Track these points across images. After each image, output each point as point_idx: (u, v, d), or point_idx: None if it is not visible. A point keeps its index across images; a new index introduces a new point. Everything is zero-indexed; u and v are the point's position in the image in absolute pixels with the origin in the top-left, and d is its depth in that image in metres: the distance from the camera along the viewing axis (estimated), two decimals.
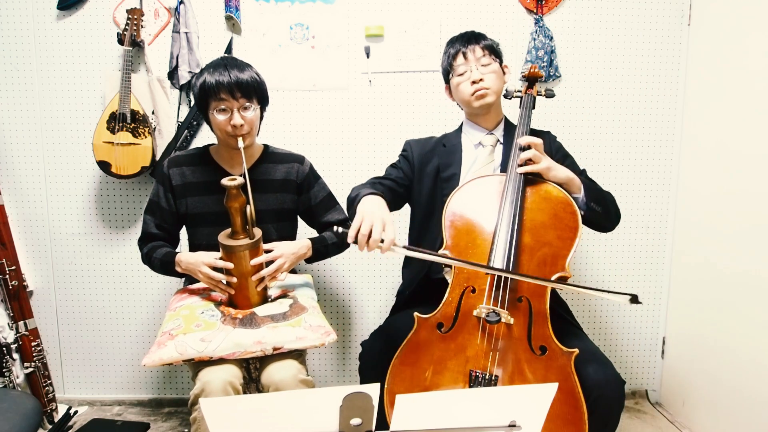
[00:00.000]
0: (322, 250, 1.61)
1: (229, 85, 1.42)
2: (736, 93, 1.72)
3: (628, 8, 1.99)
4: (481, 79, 1.47)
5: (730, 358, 1.71)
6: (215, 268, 1.41)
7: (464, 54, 1.49)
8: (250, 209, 1.37)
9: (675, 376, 2.06)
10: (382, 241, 1.17)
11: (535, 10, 1.97)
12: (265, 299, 1.47)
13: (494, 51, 1.52)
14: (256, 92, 1.48)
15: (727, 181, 1.75)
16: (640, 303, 1.08)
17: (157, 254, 1.52)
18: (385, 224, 1.19)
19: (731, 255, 1.72)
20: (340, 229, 1.21)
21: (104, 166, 1.86)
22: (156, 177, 1.60)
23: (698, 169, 1.93)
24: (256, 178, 1.55)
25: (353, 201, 1.37)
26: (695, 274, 1.93)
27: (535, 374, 1.21)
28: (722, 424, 1.76)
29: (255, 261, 1.40)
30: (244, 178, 1.36)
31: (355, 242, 1.18)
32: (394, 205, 1.51)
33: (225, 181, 1.34)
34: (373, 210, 1.23)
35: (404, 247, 1.19)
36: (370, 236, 1.16)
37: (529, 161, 1.33)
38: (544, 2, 1.96)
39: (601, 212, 1.40)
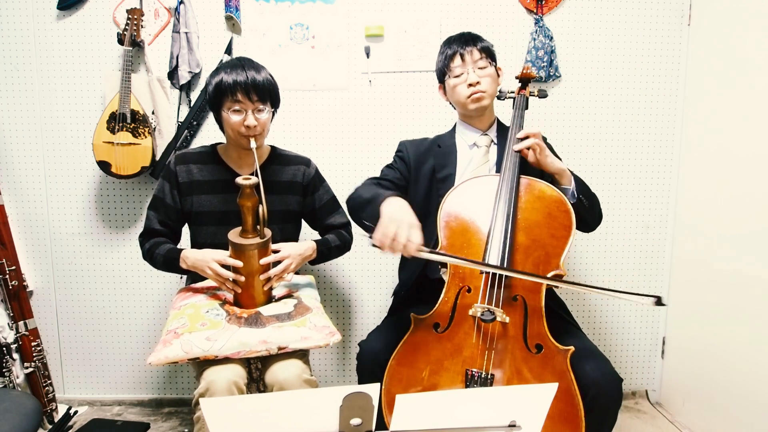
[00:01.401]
0: (326, 252, 1.62)
1: (246, 86, 1.43)
2: (736, 93, 1.73)
3: (628, 8, 1.99)
4: (477, 82, 1.48)
5: (730, 358, 1.72)
6: (224, 266, 1.42)
7: (462, 56, 1.49)
8: (262, 209, 1.37)
9: (675, 376, 2.06)
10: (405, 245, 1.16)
11: (535, 10, 1.97)
12: (269, 299, 1.48)
13: (490, 54, 1.52)
14: (270, 94, 1.49)
15: (727, 181, 1.75)
16: (664, 305, 1.07)
17: (161, 250, 1.52)
18: (411, 227, 1.18)
19: (731, 255, 1.72)
20: (367, 235, 1.21)
21: (104, 166, 1.86)
22: (162, 173, 1.59)
23: (698, 169, 1.93)
24: (264, 179, 1.55)
25: (368, 202, 1.34)
26: (695, 274, 1.93)
27: (532, 372, 1.21)
28: (722, 424, 1.76)
29: (264, 260, 1.40)
30: (257, 177, 1.37)
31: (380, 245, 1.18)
32: None
33: (240, 180, 1.35)
34: (398, 213, 1.22)
35: (431, 251, 1.20)
36: (394, 240, 1.16)
37: (529, 148, 1.38)
38: (544, 2, 1.96)
39: (588, 206, 1.43)
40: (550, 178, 1.44)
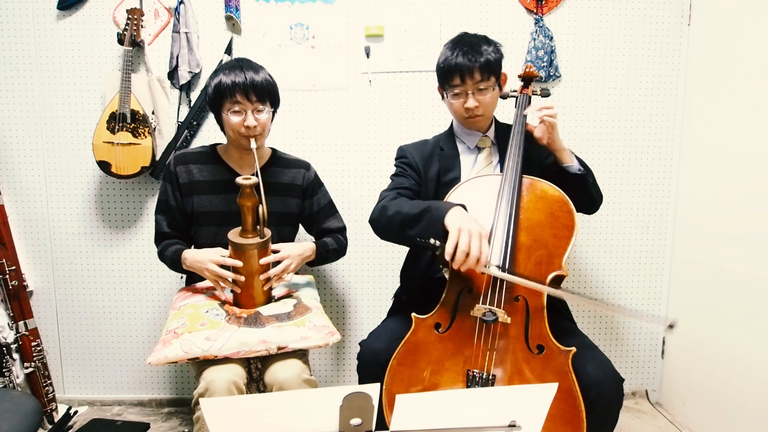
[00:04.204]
0: (324, 254, 1.63)
1: (245, 87, 1.43)
2: (736, 93, 1.72)
3: (628, 8, 1.99)
4: (476, 107, 1.45)
5: (730, 358, 1.71)
6: (222, 266, 1.42)
7: (461, 76, 1.42)
8: (262, 209, 1.38)
9: (675, 376, 2.06)
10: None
11: (535, 10, 1.97)
12: (269, 299, 1.48)
13: (493, 69, 1.43)
14: (269, 95, 1.50)
15: (727, 181, 1.75)
16: (672, 328, 1.08)
17: (168, 252, 1.54)
18: (483, 239, 1.16)
19: (732, 255, 1.72)
20: (437, 243, 1.16)
21: (104, 166, 1.86)
22: (163, 175, 1.60)
23: (698, 168, 1.93)
24: (264, 181, 1.55)
25: (418, 217, 1.27)
26: (695, 274, 1.93)
27: (533, 373, 1.21)
28: (722, 424, 1.76)
29: (264, 260, 1.41)
30: (257, 178, 1.37)
31: (452, 259, 1.15)
32: None
33: (240, 180, 1.35)
34: (468, 224, 1.18)
35: (498, 267, 1.19)
36: (468, 253, 1.14)
37: (548, 117, 1.39)
38: (544, 2, 1.96)
39: (592, 182, 1.45)
40: (546, 158, 1.47)
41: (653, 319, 1.11)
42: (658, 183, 2.07)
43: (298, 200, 1.66)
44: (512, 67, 1.98)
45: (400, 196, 1.45)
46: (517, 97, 1.54)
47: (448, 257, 1.16)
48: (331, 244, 1.65)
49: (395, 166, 1.62)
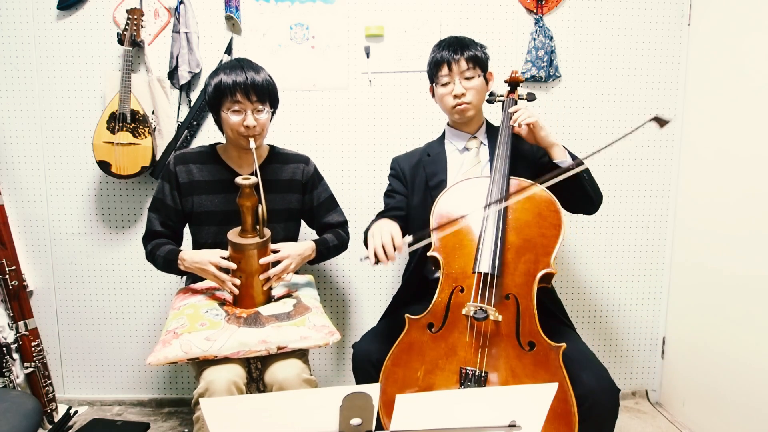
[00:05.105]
0: (324, 252, 1.63)
1: (245, 87, 1.44)
2: (736, 93, 1.73)
3: (628, 8, 1.99)
4: (463, 94, 1.48)
5: (730, 358, 1.72)
6: (221, 268, 1.42)
7: (449, 65, 1.48)
8: (261, 209, 1.38)
9: (675, 376, 2.06)
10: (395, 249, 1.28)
11: (535, 10, 1.97)
12: (269, 299, 1.48)
13: (479, 62, 1.49)
14: (269, 95, 1.50)
15: (727, 181, 1.75)
16: (667, 121, 1.15)
17: (161, 252, 1.52)
18: (390, 228, 1.31)
19: (731, 255, 1.72)
20: (363, 259, 1.33)
21: (104, 166, 1.86)
22: (162, 174, 1.60)
23: (698, 169, 1.93)
24: (264, 178, 1.55)
25: (365, 241, 1.45)
26: (695, 274, 1.93)
27: (525, 370, 1.22)
28: (722, 424, 1.76)
29: (263, 260, 1.41)
30: (257, 177, 1.37)
31: (377, 261, 1.29)
32: (407, 230, 1.56)
33: (239, 180, 1.36)
34: (375, 227, 1.34)
35: (418, 238, 1.34)
36: (383, 245, 1.28)
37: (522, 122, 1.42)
38: (544, 2, 1.96)
39: (588, 179, 1.45)
40: (541, 158, 1.48)
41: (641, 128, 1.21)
42: (658, 183, 2.07)
43: (298, 195, 1.66)
44: (511, 67, 1.99)
45: (382, 217, 1.54)
46: (503, 102, 1.56)
47: (372, 262, 1.29)
48: (332, 241, 1.65)
49: (388, 179, 1.69)
